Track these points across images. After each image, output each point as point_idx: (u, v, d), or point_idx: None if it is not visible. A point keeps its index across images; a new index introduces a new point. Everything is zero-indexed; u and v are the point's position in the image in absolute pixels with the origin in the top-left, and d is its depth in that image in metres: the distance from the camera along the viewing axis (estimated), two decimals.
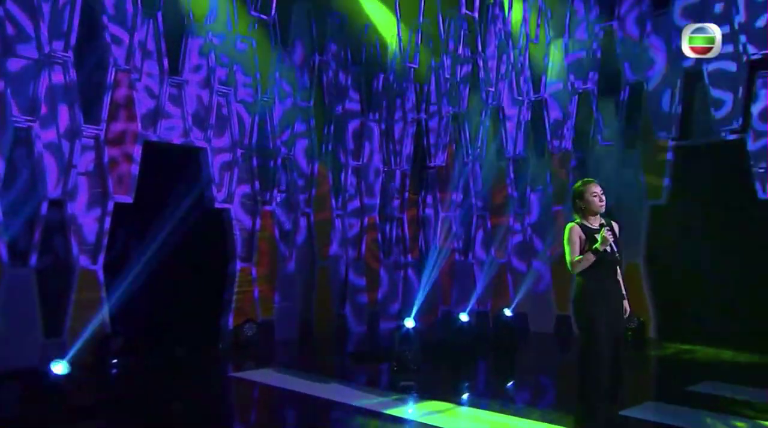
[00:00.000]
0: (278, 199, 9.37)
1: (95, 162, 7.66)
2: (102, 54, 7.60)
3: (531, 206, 9.53)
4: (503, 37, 9.15)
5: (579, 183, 4.03)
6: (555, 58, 9.13)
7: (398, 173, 10.81)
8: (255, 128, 9.12)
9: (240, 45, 8.99)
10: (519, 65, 9.28)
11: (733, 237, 7.93)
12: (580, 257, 3.79)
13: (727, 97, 7.76)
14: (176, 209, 8.21)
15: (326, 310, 9.81)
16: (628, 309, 4.02)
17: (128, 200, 7.81)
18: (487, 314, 9.77)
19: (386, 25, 10.44)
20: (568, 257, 3.87)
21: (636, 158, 8.56)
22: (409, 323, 6.70)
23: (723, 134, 7.90)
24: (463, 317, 8.65)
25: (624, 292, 4.01)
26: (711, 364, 7.08)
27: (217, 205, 8.68)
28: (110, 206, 7.65)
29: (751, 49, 7.58)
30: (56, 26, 7.30)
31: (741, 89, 7.61)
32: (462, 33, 8.75)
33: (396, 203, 10.79)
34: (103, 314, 7.41)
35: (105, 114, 7.65)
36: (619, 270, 4.01)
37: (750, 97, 7.65)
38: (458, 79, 9.80)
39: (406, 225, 10.82)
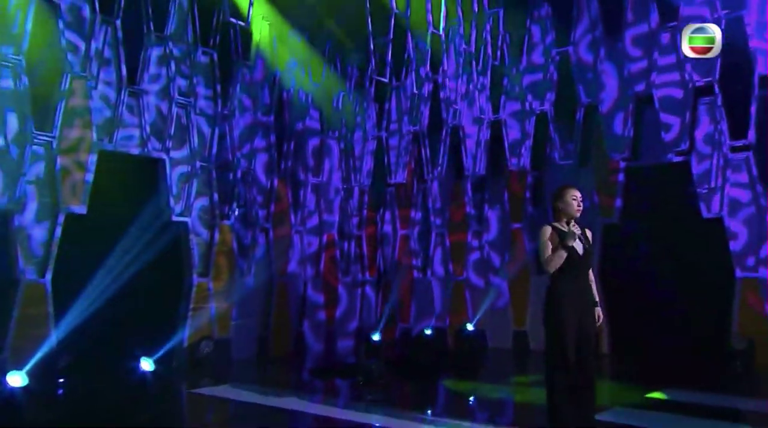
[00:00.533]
0: (236, 213, 9.16)
1: (46, 171, 7.31)
2: None
3: (489, 224, 9.66)
4: (465, 57, 9.35)
5: (559, 186, 4.11)
6: (514, 80, 9.40)
7: (356, 190, 10.78)
8: (215, 140, 8.93)
9: (201, 57, 8.83)
10: (479, 85, 9.49)
11: (679, 254, 8.26)
12: (553, 255, 3.85)
13: (675, 121, 8.15)
14: (131, 221, 7.92)
15: (284, 327, 9.59)
16: (601, 316, 4.09)
17: (81, 210, 7.48)
18: (445, 331, 9.75)
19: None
20: (542, 256, 3.92)
21: (590, 178, 8.83)
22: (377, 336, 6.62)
23: (670, 155, 8.26)
24: (428, 331, 8.62)
25: (596, 299, 4.08)
26: (664, 374, 7.29)
27: (174, 218, 8.40)
28: (61, 216, 7.30)
29: (695, 76, 8.01)
30: (7, 29, 6.98)
31: (687, 114, 8.01)
32: (429, 52, 8.90)
33: (355, 220, 10.74)
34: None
35: (58, 121, 7.34)
36: (591, 276, 4.09)
37: (693, 122, 8.06)
38: (420, 97, 9.92)
39: (364, 243, 10.76)
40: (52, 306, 7.18)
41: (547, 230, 3.91)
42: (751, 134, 7.62)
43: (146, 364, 7.16)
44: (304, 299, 9.90)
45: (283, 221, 9.82)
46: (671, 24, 8.15)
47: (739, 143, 7.74)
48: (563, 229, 3.92)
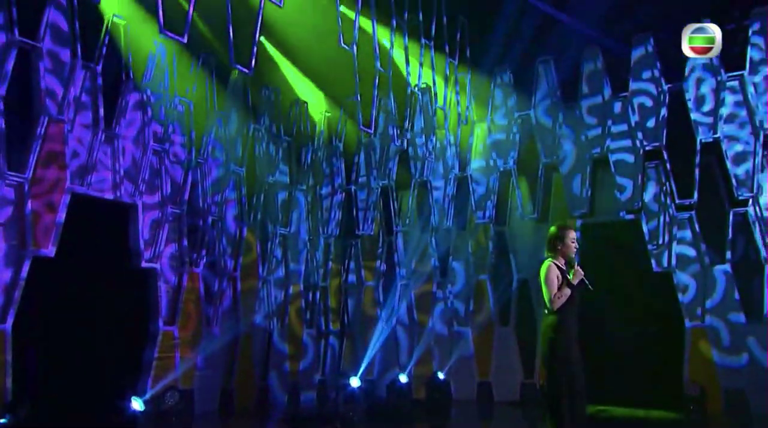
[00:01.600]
0: (205, 261, 9.02)
1: (16, 212, 7.03)
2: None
3: (455, 275, 9.90)
4: (436, 116, 9.79)
5: (559, 227, 4.35)
6: (479, 139, 9.90)
7: (322, 241, 10.84)
8: (187, 187, 8.87)
9: (178, 106, 8.87)
10: (447, 143, 9.95)
11: (631, 305, 8.73)
12: (560, 292, 4.06)
13: (628, 183, 8.77)
14: (100, 265, 7.67)
15: (249, 378, 9.33)
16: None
17: (49, 253, 7.19)
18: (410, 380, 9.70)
19: (317, 103, 10.86)
20: (547, 293, 4.08)
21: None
22: (355, 382, 6.58)
23: (622, 213, 8.83)
24: (403, 378, 8.60)
25: None
26: (626, 421, 7.55)
27: (143, 264, 8.19)
28: (28, 259, 6.99)
29: (645, 142, 8.70)
30: None
31: (639, 177, 8.66)
32: (407, 110, 9.32)
33: (321, 272, 10.74)
34: None
35: (32, 163, 7.13)
36: None
37: (644, 183, 8.72)
38: (391, 152, 10.28)
39: (329, 294, 10.74)
40: (11, 354, 6.78)
41: (552, 268, 4.14)
42: (695, 195, 8.30)
43: (136, 404, 6.81)
44: (269, 349, 9.71)
45: (251, 272, 9.74)
46: (623, 94, 8.90)
47: (684, 202, 8.40)
48: (562, 267, 4.17)
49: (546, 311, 4.19)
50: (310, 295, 10.59)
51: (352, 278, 10.78)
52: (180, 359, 8.36)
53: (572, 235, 4.30)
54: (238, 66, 6.22)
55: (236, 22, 7.05)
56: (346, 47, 7.12)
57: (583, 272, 4.14)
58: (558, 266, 4.21)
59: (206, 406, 8.58)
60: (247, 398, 9.19)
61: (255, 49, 6.27)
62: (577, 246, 4.30)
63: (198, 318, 8.75)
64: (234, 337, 9.22)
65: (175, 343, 8.36)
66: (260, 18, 6.29)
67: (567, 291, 4.07)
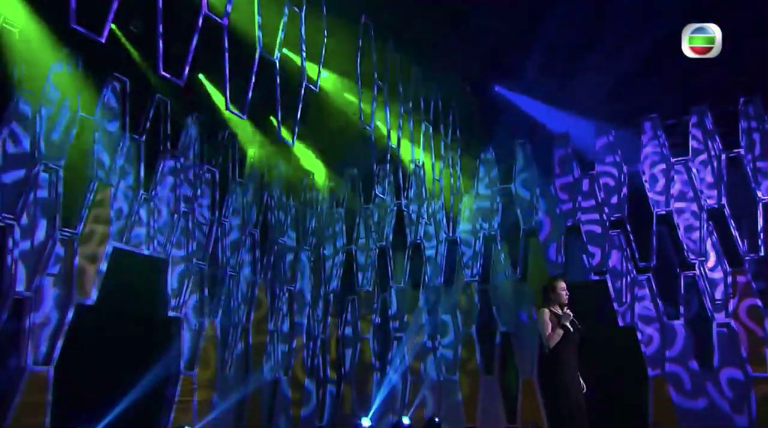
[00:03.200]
0: (222, 311, 9.58)
1: (65, 264, 7.59)
2: None
3: (446, 328, 10.61)
4: (433, 186, 10.77)
5: (550, 279, 5.17)
6: (466, 206, 10.89)
7: (322, 296, 11.47)
8: (210, 244, 9.53)
9: (206, 174, 9.68)
10: (440, 209, 10.93)
11: (600, 356, 9.47)
12: (553, 333, 4.82)
13: (596, 250, 9.73)
14: (133, 313, 8.19)
15: (257, 423, 9.71)
16: (584, 385, 5.03)
17: (90, 301, 7.72)
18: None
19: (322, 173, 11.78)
20: (543, 334, 4.83)
21: (528, 292, 10.15)
22: (366, 422, 7.10)
23: (590, 275, 9.78)
24: (405, 420, 9.09)
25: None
26: None
27: (170, 313, 8.72)
28: (71, 308, 7.50)
29: (610, 214, 9.76)
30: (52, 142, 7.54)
31: (606, 244, 9.68)
32: (411, 180, 10.30)
33: (321, 325, 11.32)
34: None
35: (82, 220, 7.75)
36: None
37: (610, 248, 9.73)
38: (388, 217, 11.18)
39: (328, 345, 11.29)
40: (51, 395, 7.17)
41: (546, 312, 4.92)
42: (653, 259, 9.32)
43: None
44: (275, 396, 10.14)
45: (261, 325, 10.31)
46: (591, 172, 10.03)
47: (643, 265, 9.39)
48: (558, 313, 4.96)
49: (546, 351, 4.89)
50: (311, 346, 11.13)
51: (349, 330, 11.37)
52: (197, 402, 8.78)
53: (561, 285, 5.08)
54: (283, 139, 7.10)
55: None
56: (366, 127, 8.12)
57: (571, 314, 4.89)
58: (552, 311, 4.97)
59: None
60: None
61: (296, 128, 7.15)
62: (568, 293, 5.06)
63: (215, 365, 9.22)
64: (243, 386, 9.65)
65: (193, 387, 8.80)
66: (301, 100, 7.23)
67: (560, 332, 4.80)
